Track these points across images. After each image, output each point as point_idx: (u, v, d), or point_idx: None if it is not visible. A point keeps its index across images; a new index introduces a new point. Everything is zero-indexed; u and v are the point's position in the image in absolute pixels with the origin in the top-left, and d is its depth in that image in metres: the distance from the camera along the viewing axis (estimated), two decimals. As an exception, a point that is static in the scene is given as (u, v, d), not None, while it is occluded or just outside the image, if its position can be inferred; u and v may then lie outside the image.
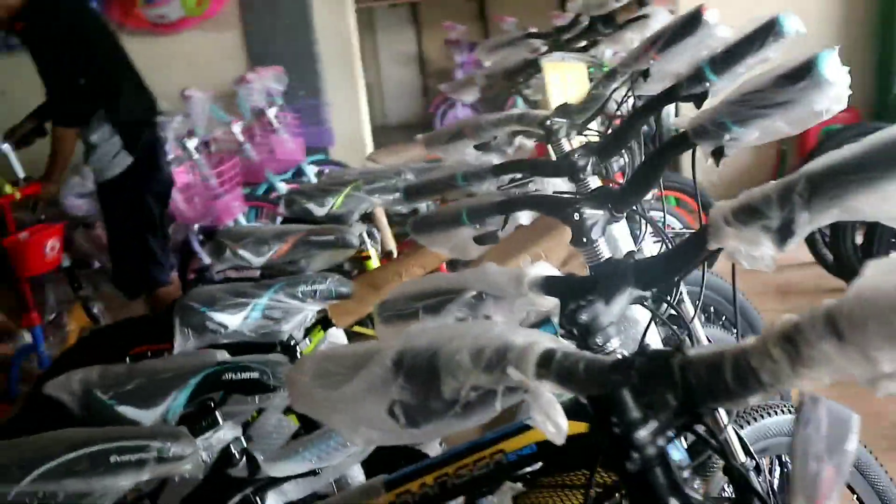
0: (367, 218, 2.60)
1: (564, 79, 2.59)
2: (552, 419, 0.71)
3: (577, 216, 1.30)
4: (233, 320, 1.65)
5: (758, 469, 1.45)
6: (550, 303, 1.13)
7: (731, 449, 1.27)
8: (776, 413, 1.51)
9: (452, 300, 1.19)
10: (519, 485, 1.02)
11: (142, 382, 1.36)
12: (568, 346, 0.72)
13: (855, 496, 1.60)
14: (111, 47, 3.36)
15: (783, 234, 0.86)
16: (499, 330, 0.76)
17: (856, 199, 0.83)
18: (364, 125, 5.82)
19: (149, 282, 3.51)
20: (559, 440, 0.70)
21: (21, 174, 3.36)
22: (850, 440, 0.70)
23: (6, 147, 3.33)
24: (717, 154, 1.13)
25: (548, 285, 1.12)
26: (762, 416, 1.49)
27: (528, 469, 1.03)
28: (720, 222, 0.93)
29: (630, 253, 1.04)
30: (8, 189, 3.30)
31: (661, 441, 0.64)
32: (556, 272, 1.18)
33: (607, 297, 0.99)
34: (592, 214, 1.31)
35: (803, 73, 1.02)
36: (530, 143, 2.28)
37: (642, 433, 0.63)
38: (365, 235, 2.33)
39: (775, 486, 1.62)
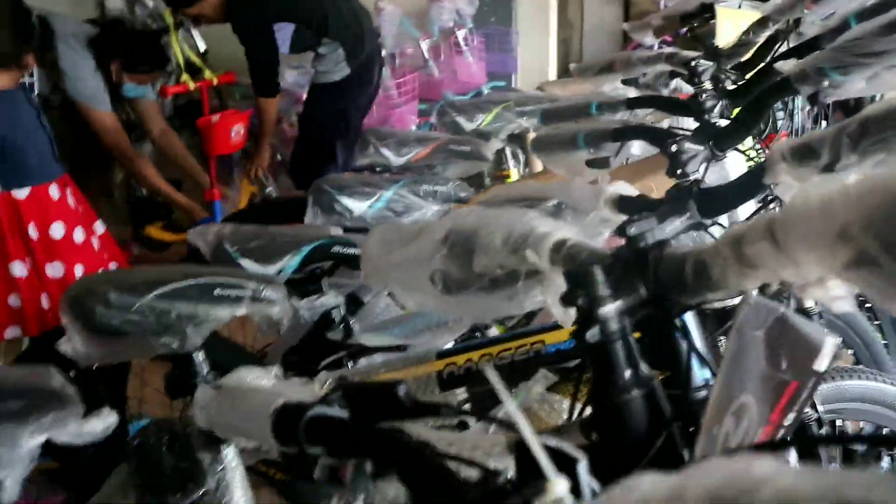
0: (517, 139, 2.69)
1: (737, 26, 2.52)
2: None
3: (673, 148, 1.33)
4: (358, 206, 1.81)
5: (829, 424, 1.46)
6: (620, 219, 1.19)
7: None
8: (859, 378, 1.49)
9: (535, 206, 1.28)
10: (553, 375, 1.11)
11: (263, 242, 1.54)
12: (583, 239, 0.80)
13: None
14: None
15: (827, 172, 0.88)
16: (528, 218, 0.84)
17: (902, 147, 0.84)
18: (551, 58, 5.81)
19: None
20: (567, 324, 0.78)
21: (202, 48, 3.61)
22: (819, 361, 0.74)
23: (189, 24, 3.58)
24: (812, 101, 1.13)
25: (620, 203, 1.19)
26: (843, 378, 1.48)
27: (566, 363, 1.11)
28: (778, 159, 0.95)
29: (696, 181, 1.07)
30: (207, 74, 3.62)
31: (625, 321, 0.71)
32: (633, 192, 1.24)
33: (660, 216, 1.04)
34: (690, 149, 1.33)
35: (902, 23, 1.01)
36: (688, 87, 2.27)
37: (606, 308, 0.70)
38: (507, 153, 2.41)
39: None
